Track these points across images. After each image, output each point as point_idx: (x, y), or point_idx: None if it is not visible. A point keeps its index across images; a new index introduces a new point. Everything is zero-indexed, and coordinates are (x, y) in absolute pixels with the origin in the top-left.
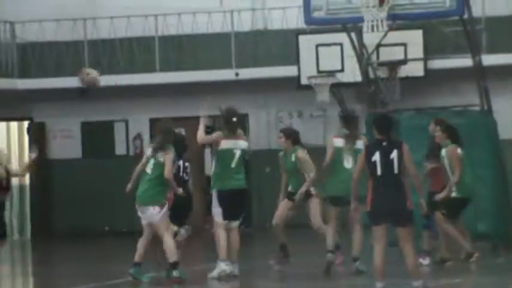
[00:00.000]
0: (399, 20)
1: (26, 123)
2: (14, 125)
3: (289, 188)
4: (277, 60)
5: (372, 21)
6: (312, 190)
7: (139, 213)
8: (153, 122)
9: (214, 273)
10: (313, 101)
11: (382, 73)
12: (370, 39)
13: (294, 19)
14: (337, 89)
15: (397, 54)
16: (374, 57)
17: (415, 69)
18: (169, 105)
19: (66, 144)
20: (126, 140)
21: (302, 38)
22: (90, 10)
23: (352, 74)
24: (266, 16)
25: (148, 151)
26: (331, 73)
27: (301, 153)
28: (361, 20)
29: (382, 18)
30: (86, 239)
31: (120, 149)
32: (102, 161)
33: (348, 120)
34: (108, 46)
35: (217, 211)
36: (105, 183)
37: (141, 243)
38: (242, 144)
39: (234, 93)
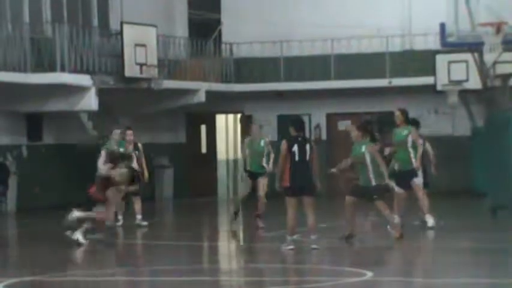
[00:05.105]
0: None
1: None
2: None
3: None
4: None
5: (490, 44)
6: None
7: None
8: None
9: None
10: (445, 102)
11: (497, 82)
12: (489, 58)
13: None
14: (463, 94)
15: (509, 69)
16: (491, 71)
17: None
18: None
19: None
20: None
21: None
22: None
23: (474, 83)
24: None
25: None
26: (458, 82)
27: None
28: (482, 44)
29: (498, 43)
30: None
31: None
32: None
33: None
34: None
35: None
36: None
37: None
38: None
39: None
